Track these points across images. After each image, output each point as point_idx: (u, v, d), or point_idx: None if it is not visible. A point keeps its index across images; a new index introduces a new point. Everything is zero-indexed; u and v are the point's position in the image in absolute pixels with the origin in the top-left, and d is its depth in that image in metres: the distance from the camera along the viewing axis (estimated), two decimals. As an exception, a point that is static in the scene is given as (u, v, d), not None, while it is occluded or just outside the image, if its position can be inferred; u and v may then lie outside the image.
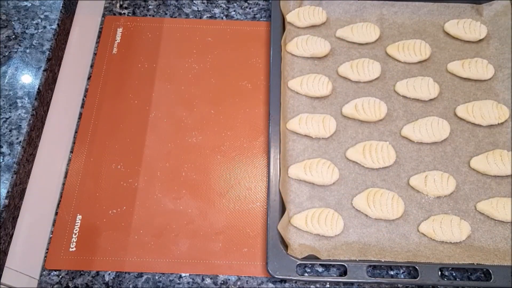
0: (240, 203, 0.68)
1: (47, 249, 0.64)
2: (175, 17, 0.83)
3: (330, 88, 0.73)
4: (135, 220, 0.66)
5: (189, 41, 0.80)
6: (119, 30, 0.81)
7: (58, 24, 0.63)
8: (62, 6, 0.65)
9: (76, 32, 0.71)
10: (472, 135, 0.70)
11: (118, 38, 0.80)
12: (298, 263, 0.60)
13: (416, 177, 0.67)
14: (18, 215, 0.56)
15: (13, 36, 0.62)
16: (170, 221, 0.66)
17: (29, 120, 0.56)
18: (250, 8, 0.84)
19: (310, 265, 0.63)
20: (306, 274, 0.63)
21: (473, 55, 0.77)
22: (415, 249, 0.62)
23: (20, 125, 0.56)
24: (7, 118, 0.56)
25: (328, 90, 0.73)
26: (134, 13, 0.83)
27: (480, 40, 0.78)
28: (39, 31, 0.63)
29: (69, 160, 0.70)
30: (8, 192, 0.52)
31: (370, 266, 0.62)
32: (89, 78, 0.77)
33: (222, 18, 0.83)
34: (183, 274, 0.63)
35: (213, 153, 0.71)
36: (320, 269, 0.63)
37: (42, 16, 0.64)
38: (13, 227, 0.55)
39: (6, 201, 0.51)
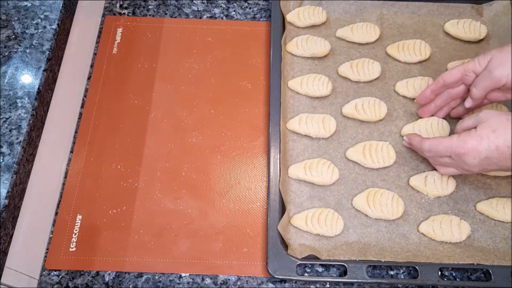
0: (240, 203, 0.68)
1: (47, 249, 0.64)
2: (175, 17, 0.83)
3: (330, 88, 0.73)
4: (135, 220, 0.66)
5: (189, 41, 0.80)
6: (119, 30, 0.81)
7: (58, 24, 0.63)
8: (62, 6, 0.65)
9: (76, 32, 0.71)
10: (472, 135, 0.70)
11: (118, 38, 0.80)
12: (298, 263, 0.60)
13: (416, 177, 0.67)
14: (18, 215, 0.56)
15: (13, 36, 0.62)
16: (170, 221, 0.66)
17: (29, 120, 0.56)
18: (250, 8, 0.84)
19: (310, 265, 0.63)
20: (306, 274, 0.63)
21: (473, 55, 0.77)
22: (415, 249, 0.62)
23: (20, 125, 0.56)
24: (7, 118, 0.56)
25: (328, 90, 0.73)
26: (134, 13, 0.83)
27: (480, 40, 0.78)
28: (39, 31, 0.63)
29: (69, 160, 0.70)
30: (8, 192, 0.52)
31: (370, 266, 0.62)
32: (89, 78, 0.77)
33: (222, 18, 0.83)
34: (183, 274, 0.63)
35: (213, 153, 0.71)
36: (320, 269, 0.63)
37: (42, 16, 0.64)
38: (13, 227, 0.55)
39: (6, 201, 0.51)
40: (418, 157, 0.69)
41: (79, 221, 0.66)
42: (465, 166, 0.58)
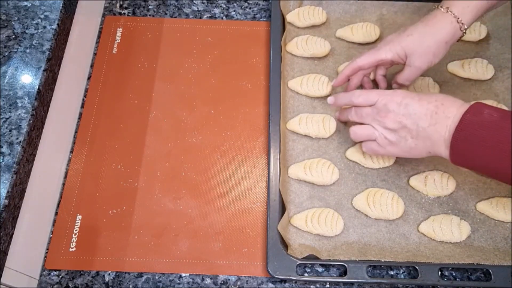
0: (240, 203, 0.68)
1: (47, 249, 0.64)
2: (175, 17, 0.83)
3: (330, 88, 0.73)
4: (135, 220, 0.66)
5: (189, 41, 0.80)
6: (119, 30, 0.81)
7: (58, 24, 0.63)
8: (62, 6, 0.65)
9: (76, 32, 0.72)
10: (472, 135, 0.70)
11: (118, 38, 0.80)
12: (298, 263, 0.60)
13: (416, 177, 0.67)
14: (18, 215, 0.56)
15: (13, 36, 0.62)
16: (170, 221, 0.66)
17: (29, 120, 0.56)
18: (250, 8, 0.84)
19: (310, 265, 0.63)
20: (306, 274, 0.63)
21: (473, 55, 0.77)
22: (415, 249, 0.62)
23: (20, 125, 0.56)
24: (7, 118, 0.56)
25: (328, 90, 0.73)
26: (134, 13, 0.83)
27: (480, 40, 0.78)
28: (39, 31, 0.63)
29: (69, 160, 0.70)
30: (8, 192, 0.52)
31: (370, 266, 0.62)
32: (89, 78, 0.77)
33: (222, 18, 0.83)
34: (183, 274, 0.63)
35: (213, 153, 0.71)
36: (320, 269, 0.63)
37: (42, 16, 0.64)
38: (13, 227, 0.55)
39: (6, 201, 0.51)
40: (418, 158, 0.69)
41: (79, 221, 0.66)
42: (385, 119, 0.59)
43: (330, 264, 0.63)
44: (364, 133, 0.62)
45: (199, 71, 0.78)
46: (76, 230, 0.65)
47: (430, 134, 0.55)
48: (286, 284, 0.63)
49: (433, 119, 0.55)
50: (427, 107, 0.55)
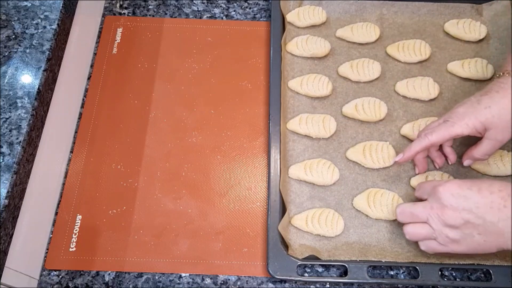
0: (240, 203, 0.68)
1: (47, 249, 0.64)
2: (175, 17, 0.83)
3: (330, 88, 0.73)
4: (135, 220, 0.66)
5: (189, 41, 0.80)
6: (119, 30, 0.81)
7: (58, 24, 0.63)
8: (62, 6, 0.65)
9: (76, 32, 0.71)
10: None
11: (118, 38, 0.80)
12: (298, 263, 0.60)
13: (416, 177, 0.67)
14: (18, 215, 0.56)
15: (13, 36, 0.62)
16: (170, 221, 0.66)
17: (29, 120, 0.56)
18: (250, 8, 0.84)
19: (310, 266, 0.63)
20: (306, 275, 0.63)
21: (473, 55, 0.77)
22: (415, 249, 0.62)
23: (20, 125, 0.56)
24: (7, 118, 0.56)
25: (328, 90, 0.73)
26: (134, 13, 0.83)
27: (480, 40, 0.78)
28: (39, 31, 0.63)
29: (69, 160, 0.70)
30: (8, 192, 0.52)
31: (370, 266, 0.62)
32: (89, 78, 0.77)
33: (222, 18, 0.83)
34: (183, 274, 0.63)
35: (213, 153, 0.71)
36: (320, 270, 0.63)
37: (42, 16, 0.64)
38: (13, 227, 0.55)
39: (6, 201, 0.51)
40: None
41: (79, 221, 0.66)
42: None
43: (331, 265, 0.63)
44: (421, 233, 0.56)
45: (199, 71, 0.78)
46: (76, 230, 0.65)
47: (503, 230, 0.50)
48: (286, 284, 0.63)
49: (502, 213, 0.50)
50: (491, 198, 0.50)
